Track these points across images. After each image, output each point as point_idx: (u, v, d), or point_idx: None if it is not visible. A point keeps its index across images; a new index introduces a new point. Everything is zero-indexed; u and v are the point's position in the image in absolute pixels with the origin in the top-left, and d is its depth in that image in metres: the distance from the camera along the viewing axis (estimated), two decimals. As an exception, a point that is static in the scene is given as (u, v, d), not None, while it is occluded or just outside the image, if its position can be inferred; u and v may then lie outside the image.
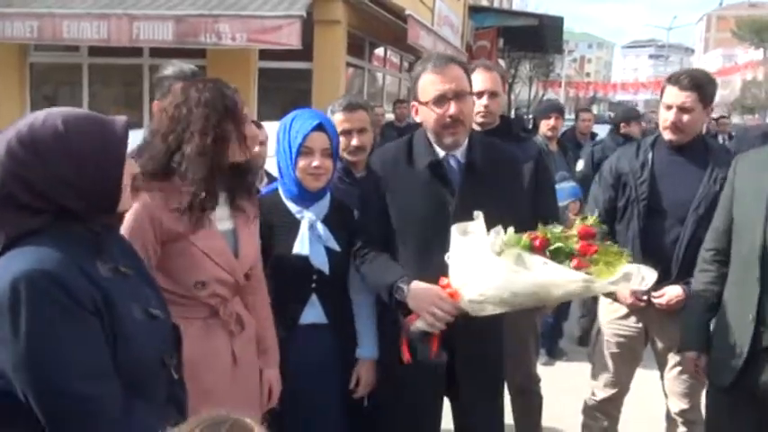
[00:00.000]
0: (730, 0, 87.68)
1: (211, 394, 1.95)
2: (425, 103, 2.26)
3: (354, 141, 2.79)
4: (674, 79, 2.84)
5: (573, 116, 7.40)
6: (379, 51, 12.83)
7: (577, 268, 1.96)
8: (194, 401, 1.71)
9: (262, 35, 8.39)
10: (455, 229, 2.06)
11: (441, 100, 2.22)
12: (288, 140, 2.31)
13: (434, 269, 2.15)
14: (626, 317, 2.97)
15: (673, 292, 2.77)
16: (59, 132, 1.40)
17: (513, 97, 26.63)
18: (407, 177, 2.30)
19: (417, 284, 2.14)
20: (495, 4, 24.69)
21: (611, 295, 2.91)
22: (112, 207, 1.47)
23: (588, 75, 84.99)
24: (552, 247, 1.97)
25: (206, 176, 1.91)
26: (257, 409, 2.15)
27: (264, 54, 9.62)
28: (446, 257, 2.10)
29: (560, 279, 1.93)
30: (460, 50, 15.11)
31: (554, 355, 5.14)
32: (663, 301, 2.80)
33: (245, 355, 2.09)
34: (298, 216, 2.33)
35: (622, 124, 6.46)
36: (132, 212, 1.84)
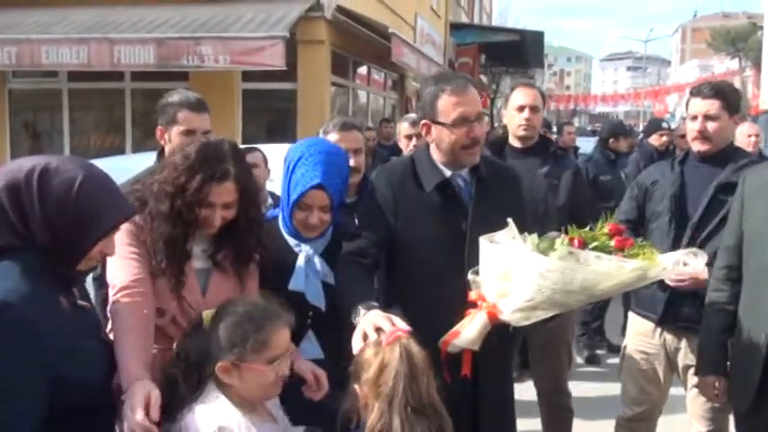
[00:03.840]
0: (704, 11, 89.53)
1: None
2: (443, 124, 2.24)
3: (350, 162, 2.74)
4: (695, 90, 2.82)
5: (555, 129, 7.38)
6: (363, 70, 12.81)
7: None
8: None
9: (245, 56, 8.32)
10: (484, 240, 2.03)
11: (464, 122, 2.21)
12: (288, 185, 2.24)
13: (451, 290, 2.12)
14: (649, 333, 2.91)
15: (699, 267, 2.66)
16: (73, 189, 1.54)
17: (494, 112, 26.75)
18: (417, 200, 2.26)
19: (366, 317, 1.89)
20: (476, 21, 24.88)
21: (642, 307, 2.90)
22: (71, 265, 1.59)
23: (568, 88, 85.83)
24: (592, 246, 1.96)
25: (164, 244, 1.98)
26: None
27: (248, 75, 9.56)
28: (470, 273, 2.07)
29: (616, 270, 1.91)
30: (444, 67, 15.14)
31: None
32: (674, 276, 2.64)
33: None
34: (296, 249, 2.27)
35: (611, 140, 6.40)
36: (126, 235, 1.95)
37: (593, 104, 52.56)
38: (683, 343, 2.81)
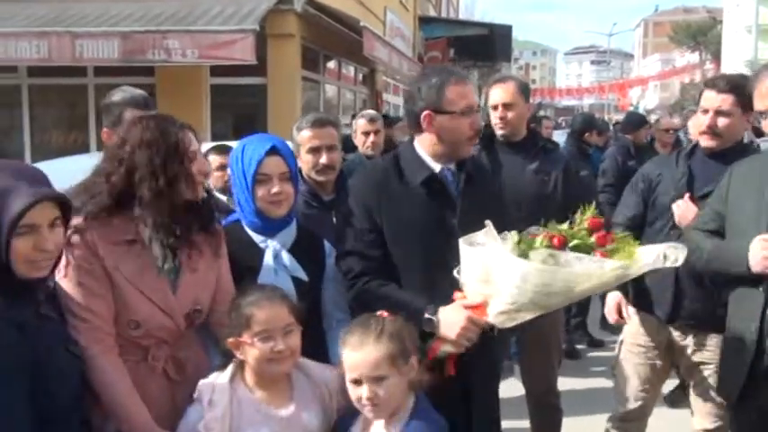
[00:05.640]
0: (666, 5, 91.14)
1: None
2: (452, 113, 2.22)
3: (323, 159, 2.70)
4: (711, 83, 2.74)
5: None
6: (333, 64, 12.67)
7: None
8: None
9: (214, 50, 8.13)
10: (463, 242, 2.01)
11: (471, 111, 2.23)
12: (242, 170, 2.18)
13: (440, 285, 2.11)
14: (651, 330, 2.87)
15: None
16: None
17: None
18: (402, 195, 2.23)
19: (445, 313, 2.07)
20: (444, 14, 24.89)
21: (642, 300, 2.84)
22: (3, 268, 1.50)
23: (534, 81, 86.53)
24: (572, 244, 1.94)
25: (166, 220, 1.89)
26: None
27: (216, 70, 9.36)
28: (455, 272, 2.05)
29: (597, 271, 1.90)
30: (414, 61, 15.08)
31: None
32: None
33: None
34: (262, 246, 2.20)
35: (586, 133, 6.39)
36: (73, 244, 1.83)
37: (558, 98, 53.20)
38: (690, 339, 2.76)
